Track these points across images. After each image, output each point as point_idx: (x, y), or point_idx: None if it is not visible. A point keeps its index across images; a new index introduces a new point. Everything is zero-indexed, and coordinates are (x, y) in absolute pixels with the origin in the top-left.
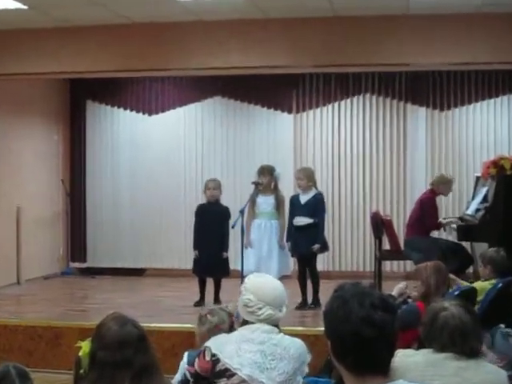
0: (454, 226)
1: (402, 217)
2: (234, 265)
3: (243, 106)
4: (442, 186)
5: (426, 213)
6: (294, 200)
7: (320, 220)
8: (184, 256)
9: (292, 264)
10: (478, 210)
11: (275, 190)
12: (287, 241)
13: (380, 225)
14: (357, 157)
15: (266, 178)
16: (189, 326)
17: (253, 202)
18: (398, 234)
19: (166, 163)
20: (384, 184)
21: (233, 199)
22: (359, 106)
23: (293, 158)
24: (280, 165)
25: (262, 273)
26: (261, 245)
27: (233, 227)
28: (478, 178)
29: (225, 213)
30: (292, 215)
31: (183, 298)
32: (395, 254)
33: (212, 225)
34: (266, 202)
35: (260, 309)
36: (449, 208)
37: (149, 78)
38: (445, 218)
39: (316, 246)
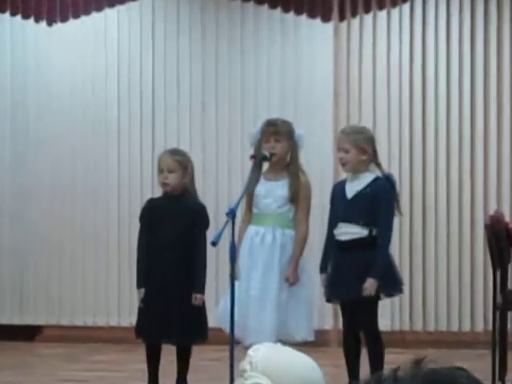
0: None
1: None
2: (214, 320)
3: (245, 6)
4: None
5: None
6: (337, 192)
7: (383, 230)
8: (115, 303)
9: (319, 320)
10: None
11: (292, 170)
12: (321, 271)
13: (504, 241)
14: (446, 100)
15: (280, 146)
16: None
17: (250, 193)
18: None
19: (78, 119)
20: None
21: (216, 191)
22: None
23: (332, 107)
24: (307, 119)
25: (255, 335)
26: (251, 275)
27: (214, 244)
28: None
29: (196, 216)
30: (333, 221)
31: None
32: None
33: (172, 239)
34: (272, 194)
35: None
36: None
37: None
38: None
39: (370, 285)
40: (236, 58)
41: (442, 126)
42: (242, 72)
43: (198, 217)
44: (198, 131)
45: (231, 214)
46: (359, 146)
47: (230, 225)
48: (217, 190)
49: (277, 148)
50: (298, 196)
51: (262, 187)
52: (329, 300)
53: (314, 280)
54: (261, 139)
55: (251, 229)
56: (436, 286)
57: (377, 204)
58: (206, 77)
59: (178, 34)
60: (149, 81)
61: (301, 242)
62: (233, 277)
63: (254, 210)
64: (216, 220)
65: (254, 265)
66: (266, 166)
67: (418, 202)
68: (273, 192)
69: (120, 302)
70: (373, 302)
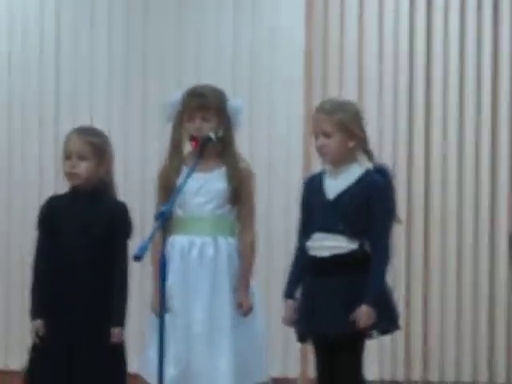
0: None
1: None
2: (138, 367)
3: None
4: None
5: None
6: (311, 189)
7: (380, 243)
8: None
9: (282, 365)
10: None
11: (229, 157)
12: (286, 297)
13: None
14: (458, 80)
15: (208, 126)
16: None
17: (171, 188)
18: None
19: None
20: None
21: (143, 187)
22: None
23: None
24: (267, 93)
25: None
26: (191, 304)
27: (137, 259)
28: None
29: (114, 219)
30: (305, 230)
31: None
32: None
33: (81, 252)
34: (205, 190)
35: None
36: None
37: None
38: None
39: (364, 314)
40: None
41: (453, 102)
42: (181, 38)
43: (113, 220)
44: (119, 109)
45: (162, 217)
46: (346, 127)
47: (159, 235)
48: (143, 186)
49: (204, 129)
50: (241, 191)
51: (193, 181)
52: (302, 338)
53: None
54: (181, 115)
55: (180, 240)
56: (442, 321)
57: (370, 207)
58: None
59: None
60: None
61: (251, 255)
62: (162, 307)
63: (180, 213)
64: (142, 226)
65: (193, 290)
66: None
67: (419, 204)
68: (206, 187)
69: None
70: (360, 340)
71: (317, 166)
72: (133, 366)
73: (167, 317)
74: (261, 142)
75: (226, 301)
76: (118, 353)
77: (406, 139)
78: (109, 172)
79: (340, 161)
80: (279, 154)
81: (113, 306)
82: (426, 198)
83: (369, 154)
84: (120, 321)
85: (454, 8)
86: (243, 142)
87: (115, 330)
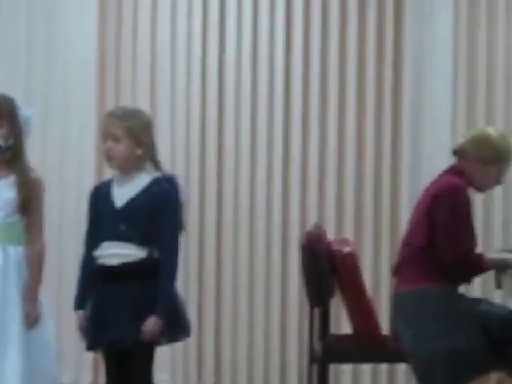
0: None
1: (386, 242)
2: None
3: None
4: (484, 164)
5: (447, 226)
6: (99, 197)
7: (168, 251)
8: None
9: (75, 372)
10: None
11: (19, 165)
12: (77, 308)
13: (325, 269)
14: (268, 85)
15: (2, 131)
16: None
17: None
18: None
19: None
20: (341, 159)
21: None
22: None
23: (95, 84)
24: (59, 99)
25: None
26: None
27: None
28: None
29: None
30: (93, 238)
31: None
32: (365, 344)
33: None
34: None
35: None
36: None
37: None
38: (499, 250)
39: (153, 325)
40: None
41: (246, 114)
42: None
43: None
44: None
45: None
46: (134, 134)
47: None
48: None
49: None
50: (30, 201)
51: None
52: (91, 347)
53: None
54: None
55: None
56: (234, 327)
57: (159, 216)
58: None
59: None
60: None
61: (39, 265)
62: None
63: None
64: None
65: None
66: None
67: (211, 213)
68: None
69: None
70: (150, 349)
71: (109, 174)
72: None
73: None
74: (53, 150)
75: (15, 310)
76: None
77: (199, 150)
78: None
79: (127, 168)
80: (71, 162)
81: None
82: (219, 207)
83: (157, 163)
84: None
85: (247, 14)
86: (35, 151)
87: None
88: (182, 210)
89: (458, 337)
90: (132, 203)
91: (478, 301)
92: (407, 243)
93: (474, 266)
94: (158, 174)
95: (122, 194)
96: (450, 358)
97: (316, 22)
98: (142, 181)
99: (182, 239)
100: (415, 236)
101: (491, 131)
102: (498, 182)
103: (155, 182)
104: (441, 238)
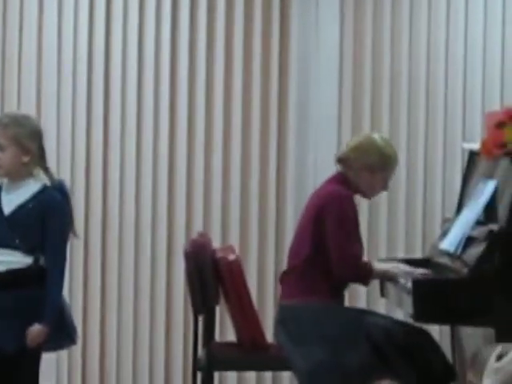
0: (404, 281)
1: (272, 250)
2: None
3: None
4: (369, 171)
5: (334, 234)
6: None
7: (54, 259)
8: None
9: None
10: (470, 241)
11: None
12: None
13: (209, 276)
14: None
15: None
16: None
17: None
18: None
19: None
20: (226, 168)
21: None
22: None
23: None
24: None
25: None
26: None
27: None
28: (472, 156)
29: None
30: None
31: None
32: (249, 352)
33: None
34: None
35: None
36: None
37: None
38: (384, 259)
39: (38, 333)
40: None
41: (131, 115)
42: None
43: None
44: None
45: None
46: (20, 142)
47: None
48: None
49: None
50: None
51: None
52: None
53: None
54: None
55: None
56: (118, 334)
57: (46, 223)
58: None
59: None
60: None
61: None
62: None
63: None
64: None
65: None
66: None
67: (96, 220)
68: None
69: None
70: (36, 357)
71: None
72: None
73: None
74: None
75: None
76: None
77: (85, 155)
78: None
79: (15, 175)
80: None
81: None
82: (105, 212)
83: (46, 170)
84: None
85: (133, 14)
86: None
87: None
88: (69, 218)
89: (344, 349)
90: (19, 210)
91: (362, 311)
92: (294, 252)
93: (361, 273)
94: (46, 181)
95: (9, 201)
96: (337, 371)
97: (202, 36)
98: (29, 188)
99: (67, 246)
100: (301, 246)
101: (375, 137)
102: (384, 188)
103: (43, 190)
104: (329, 245)
